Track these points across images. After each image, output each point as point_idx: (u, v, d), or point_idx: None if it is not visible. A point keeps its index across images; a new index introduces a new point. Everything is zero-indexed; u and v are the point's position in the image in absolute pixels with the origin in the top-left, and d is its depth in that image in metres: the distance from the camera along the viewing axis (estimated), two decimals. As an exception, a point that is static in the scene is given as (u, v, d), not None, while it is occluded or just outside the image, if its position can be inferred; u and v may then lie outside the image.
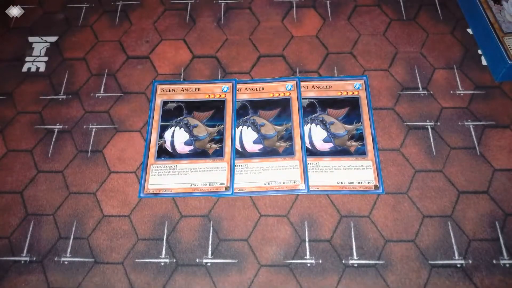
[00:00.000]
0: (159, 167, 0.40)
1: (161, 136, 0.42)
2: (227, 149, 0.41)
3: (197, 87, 0.44)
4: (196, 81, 0.45)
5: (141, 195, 0.39)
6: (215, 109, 0.43)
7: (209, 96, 0.44)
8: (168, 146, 0.41)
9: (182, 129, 0.42)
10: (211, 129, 0.42)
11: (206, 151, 0.41)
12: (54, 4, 0.51)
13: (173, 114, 0.43)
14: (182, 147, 0.41)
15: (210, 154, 0.41)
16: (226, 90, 0.44)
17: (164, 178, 0.40)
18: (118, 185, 0.40)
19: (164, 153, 0.41)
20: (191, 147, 0.41)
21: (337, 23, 0.49)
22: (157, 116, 0.43)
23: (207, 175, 0.40)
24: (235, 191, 0.39)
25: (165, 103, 0.44)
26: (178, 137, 0.42)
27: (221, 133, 0.42)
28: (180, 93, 0.44)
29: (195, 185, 0.39)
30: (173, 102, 0.44)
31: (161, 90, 0.45)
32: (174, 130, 0.42)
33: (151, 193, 0.39)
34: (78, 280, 0.36)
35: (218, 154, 0.41)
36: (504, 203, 0.38)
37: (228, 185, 0.39)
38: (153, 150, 0.41)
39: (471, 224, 0.37)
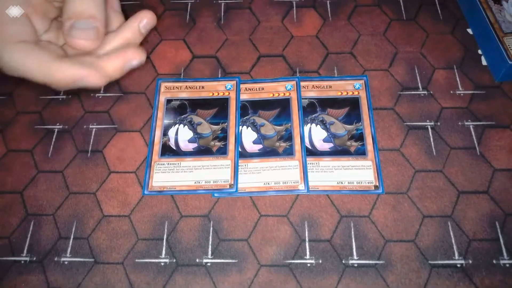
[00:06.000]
0: (163, 164, 0.40)
1: (165, 133, 0.42)
2: (231, 146, 0.41)
3: (201, 85, 0.45)
4: (200, 79, 0.45)
5: (145, 192, 0.39)
6: (218, 107, 0.43)
7: (213, 94, 0.44)
8: (172, 143, 0.41)
9: (186, 126, 0.42)
10: (215, 127, 0.42)
11: (210, 148, 0.41)
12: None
13: (177, 112, 0.43)
14: (186, 145, 0.41)
15: (214, 151, 0.41)
16: (230, 88, 0.44)
17: (168, 175, 0.40)
18: (118, 185, 0.40)
19: (168, 151, 0.41)
20: (195, 145, 0.41)
21: (337, 23, 0.49)
22: (161, 113, 0.43)
23: (211, 172, 0.40)
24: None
25: (169, 101, 0.44)
26: (182, 135, 0.42)
27: (225, 131, 0.42)
28: (184, 91, 0.44)
29: (199, 182, 0.39)
30: (177, 100, 0.44)
31: (165, 88, 0.45)
32: (178, 128, 0.42)
33: (156, 190, 0.39)
34: (78, 280, 0.36)
35: (222, 151, 0.41)
36: (504, 203, 0.38)
37: (232, 183, 0.39)
38: (157, 147, 0.41)
39: (471, 224, 0.37)
